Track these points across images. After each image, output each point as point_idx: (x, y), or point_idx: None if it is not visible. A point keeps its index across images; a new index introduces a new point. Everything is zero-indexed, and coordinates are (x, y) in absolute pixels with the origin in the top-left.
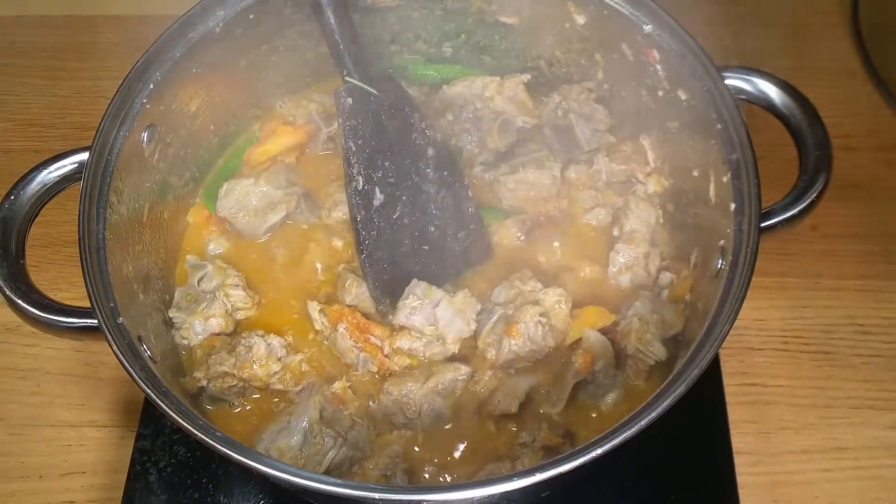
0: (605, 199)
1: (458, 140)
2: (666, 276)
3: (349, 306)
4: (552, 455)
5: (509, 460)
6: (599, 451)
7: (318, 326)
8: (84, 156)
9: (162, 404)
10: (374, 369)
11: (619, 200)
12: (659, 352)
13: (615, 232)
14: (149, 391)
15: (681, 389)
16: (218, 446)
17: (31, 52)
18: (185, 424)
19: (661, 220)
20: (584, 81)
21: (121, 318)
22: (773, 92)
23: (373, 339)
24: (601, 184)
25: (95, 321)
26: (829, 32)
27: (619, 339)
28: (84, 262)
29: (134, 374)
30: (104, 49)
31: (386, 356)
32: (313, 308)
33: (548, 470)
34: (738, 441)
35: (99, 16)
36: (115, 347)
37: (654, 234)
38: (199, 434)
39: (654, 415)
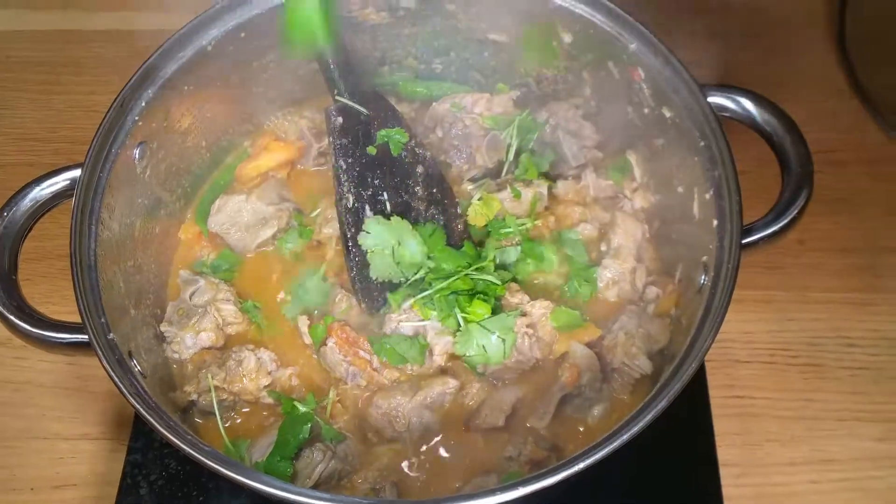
0: (592, 215)
1: (447, 156)
2: (652, 291)
3: (338, 321)
4: (538, 468)
5: (496, 473)
6: (582, 464)
7: (307, 341)
8: (76, 172)
9: (151, 419)
10: (364, 383)
11: (605, 216)
12: (644, 365)
13: (602, 247)
14: (138, 406)
15: (663, 404)
16: (206, 461)
17: (26, 67)
18: (174, 439)
19: (648, 236)
20: (572, 98)
21: (111, 334)
22: (754, 109)
23: (362, 353)
24: (588, 199)
25: (86, 337)
26: (815, 47)
27: (606, 352)
28: (75, 279)
29: (124, 389)
30: (99, 63)
31: (375, 370)
32: (303, 323)
33: (532, 483)
34: (723, 453)
35: (93, 30)
36: (105, 363)
37: (640, 249)
38: (188, 449)
39: (636, 429)
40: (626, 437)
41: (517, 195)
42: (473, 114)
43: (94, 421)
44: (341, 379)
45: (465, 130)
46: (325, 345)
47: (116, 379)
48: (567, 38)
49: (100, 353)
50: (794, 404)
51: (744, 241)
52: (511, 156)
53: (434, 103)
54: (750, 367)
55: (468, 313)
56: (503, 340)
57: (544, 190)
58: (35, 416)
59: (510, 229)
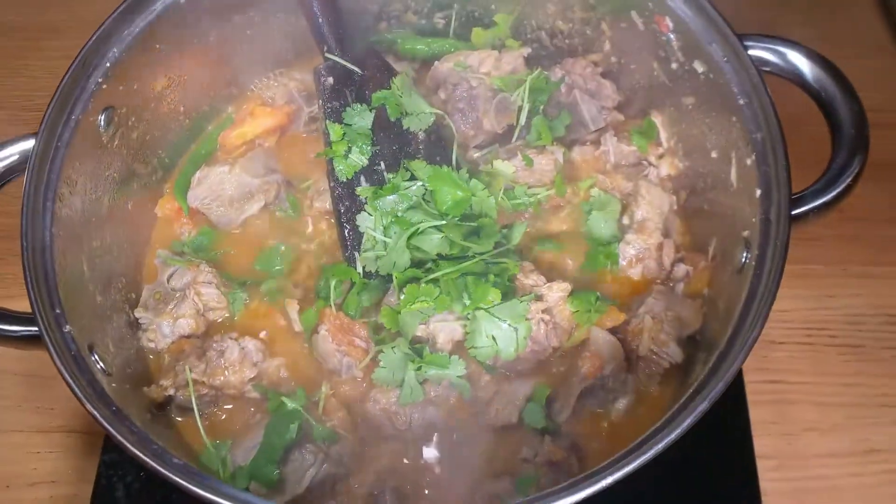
0: (613, 184)
1: (451, 121)
2: (681, 269)
3: (332, 305)
4: (556, 471)
5: (510, 477)
6: (610, 479)
7: (297, 328)
8: (30, 143)
9: (109, 427)
10: (360, 375)
11: (628, 185)
12: (674, 353)
13: (625, 220)
14: (93, 411)
15: (703, 406)
16: (173, 477)
17: (1, 32)
18: (136, 451)
19: (675, 207)
20: (590, 54)
21: (67, 327)
22: (803, 64)
23: (358, 342)
24: (609, 167)
25: (37, 329)
26: (857, 1)
27: (630, 339)
28: (26, 264)
29: (78, 391)
30: (80, 26)
31: (373, 361)
32: (292, 308)
33: (551, 500)
34: (758, 444)
35: None
36: (57, 361)
37: (667, 222)
38: (152, 463)
39: (672, 436)
40: (661, 445)
41: (529, 163)
42: (480, 73)
43: (71, 412)
44: (335, 371)
45: (470, 92)
46: (317, 332)
47: (69, 379)
48: None
49: (51, 348)
50: (834, 389)
51: (792, 213)
52: (522, 119)
53: (436, 62)
54: (785, 348)
55: (476, 298)
56: (515, 330)
57: (560, 156)
58: (9, 407)
59: (520, 201)
